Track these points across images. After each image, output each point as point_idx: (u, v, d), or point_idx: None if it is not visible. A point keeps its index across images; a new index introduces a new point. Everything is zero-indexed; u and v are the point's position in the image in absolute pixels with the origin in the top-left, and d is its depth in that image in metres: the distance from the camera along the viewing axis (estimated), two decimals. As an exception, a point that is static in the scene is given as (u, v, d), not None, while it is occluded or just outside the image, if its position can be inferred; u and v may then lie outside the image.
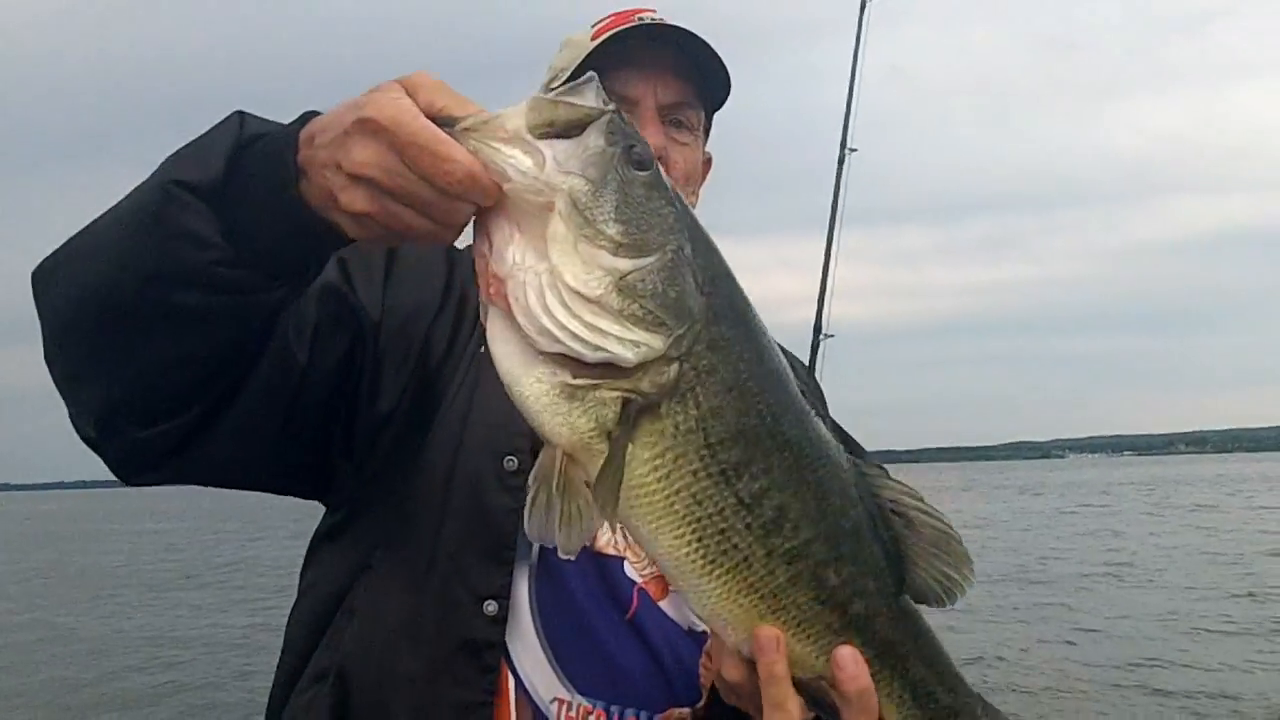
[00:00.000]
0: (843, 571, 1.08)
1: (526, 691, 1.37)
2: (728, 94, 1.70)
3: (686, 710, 1.42)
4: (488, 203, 0.99)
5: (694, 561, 1.05)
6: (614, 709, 1.40)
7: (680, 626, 1.44)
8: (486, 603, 1.36)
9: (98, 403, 1.22)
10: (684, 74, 1.61)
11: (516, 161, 0.97)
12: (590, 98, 1.00)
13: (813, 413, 1.10)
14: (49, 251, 1.22)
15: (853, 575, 1.08)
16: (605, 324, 0.97)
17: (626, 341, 0.98)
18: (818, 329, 1.91)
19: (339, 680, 1.38)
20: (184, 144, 1.15)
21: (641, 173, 1.02)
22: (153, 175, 1.13)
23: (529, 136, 0.98)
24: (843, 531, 1.08)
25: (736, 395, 1.04)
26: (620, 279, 0.98)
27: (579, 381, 0.98)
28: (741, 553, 1.05)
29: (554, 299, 0.97)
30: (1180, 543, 23.84)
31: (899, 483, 1.13)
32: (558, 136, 0.99)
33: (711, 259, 1.07)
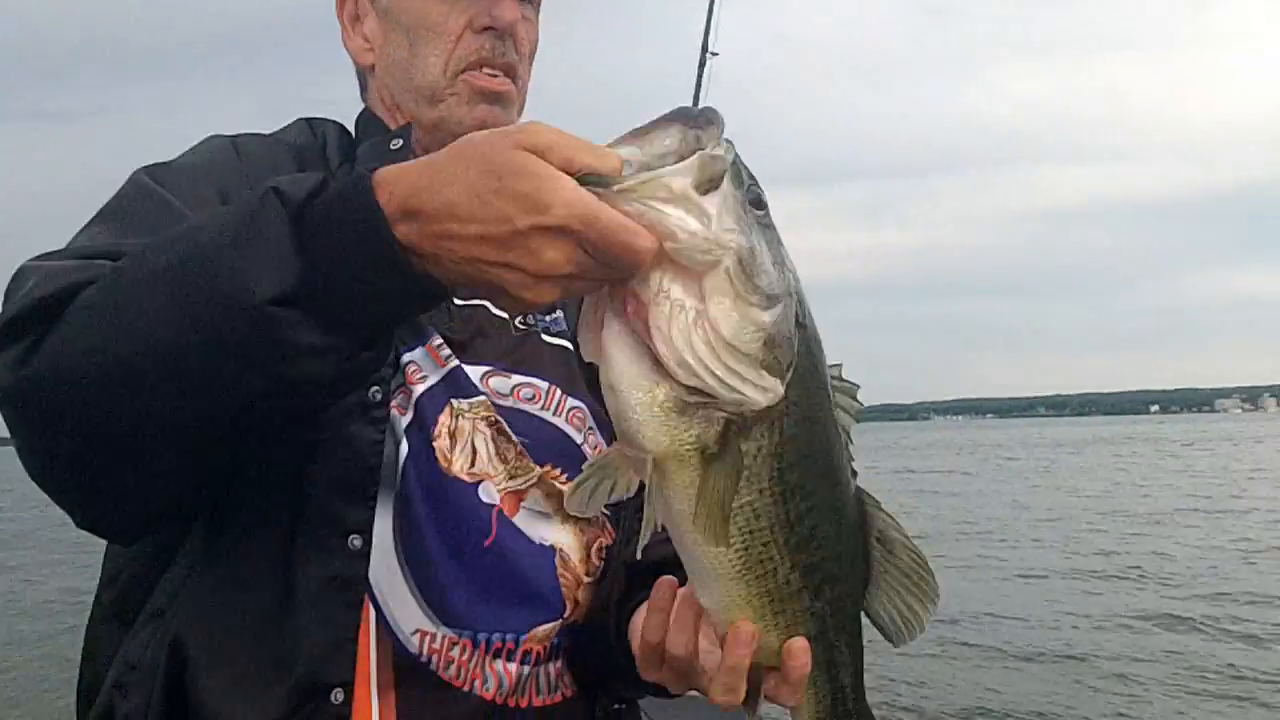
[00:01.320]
0: (837, 589, 1.20)
1: (388, 625, 1.35)
2: None
3: (553, 624, 1.47)
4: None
5: (733, 565, 1.14)
6: (480, 636, 1.41)
7: (534, 542, 1.47)
8: (351, 537, 1.33)
9: (132, 516, 1.22)
10: None
11: (684, 224, 0.98)
12: (702, 132, 1.01)
13: (838, 435, 1.19)
14: None
15: (841, 593, 1.21)
16: (745, 371, 1.02)
17: (759, 388, 1.04)
18: (704, 47, 1.87)
19: (176, 619, 1.31)
20: (207, 239, 1.04)
21: (761, 212, 1.05)
22: (198, 278, 1.02)
23: (693, 194, 0.99)
24: (846, 553, 1.20)
25: (809, 424, 1.11)
26: (769, 335, 1.03)
27: (693, 399, 1.03)
28: (773, 563, 1.15)
29: (701, 340, 1.00)
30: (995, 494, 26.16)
31: (887, 513, 1.23)
32: (712, 190, 1.00)
33: (801, 292, 1.10)
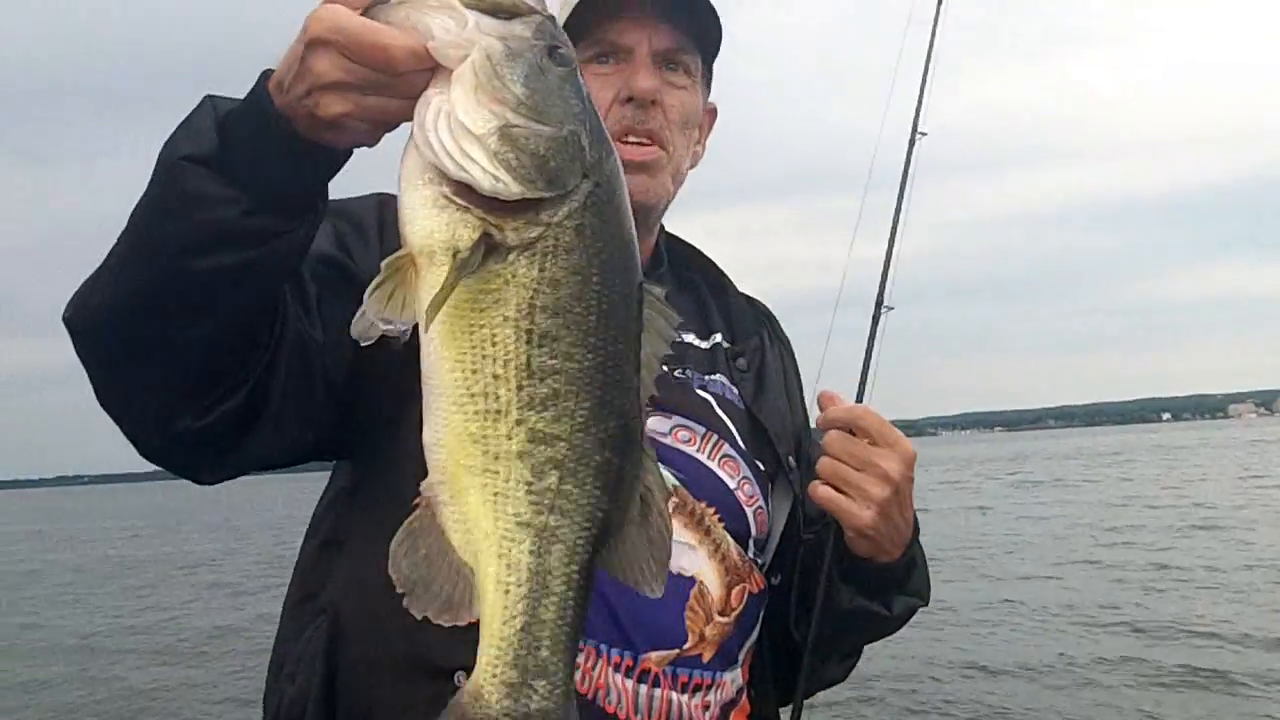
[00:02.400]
0: (565, 486, 1.11)
1: None
2: (719, 39, 1.74)
3: (669, 652, 1.53)
4: (431, 66, 1.09)
5: (456, 385, 1.09)
6: (602, 646, 1.50)
7: (670, 571, 1.43)
8: None
9: (156, 407, 1.31)
10: (676, 20, 1.67)
11: (441, 22, 1.08)
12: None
13: (636, 356, 1.15)
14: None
15: (569, 498, 1.12)
16: (476, 154, 1.06)
17: (488, 174, 1.05)
18: (879, 302, 1.93)
19: (334, 615, 1.51)
20: (166, 138, 1.25)
21: (560, 67, 1.11)
22: (152, 173, 1.24)
23: (457, 4, 1.08)
24: (587, 454, 1.12)
25: (579, 281, 1.10)
26: (505, 126, 1.06)
27: (455, 199, 1.07)
28: (499, 405, 1.09)
29: (443, 124, 1.07)
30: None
31: (660, 475, 1.18)
32: (488, 14, 1.09)
33: (607, 163, 1.13)
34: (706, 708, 1.57)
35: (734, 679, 1.64)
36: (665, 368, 1.69)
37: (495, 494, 1.11)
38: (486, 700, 1.13)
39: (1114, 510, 25.96)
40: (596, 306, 1.11)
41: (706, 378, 1.76)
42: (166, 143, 1.23)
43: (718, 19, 1.72)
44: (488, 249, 1.08)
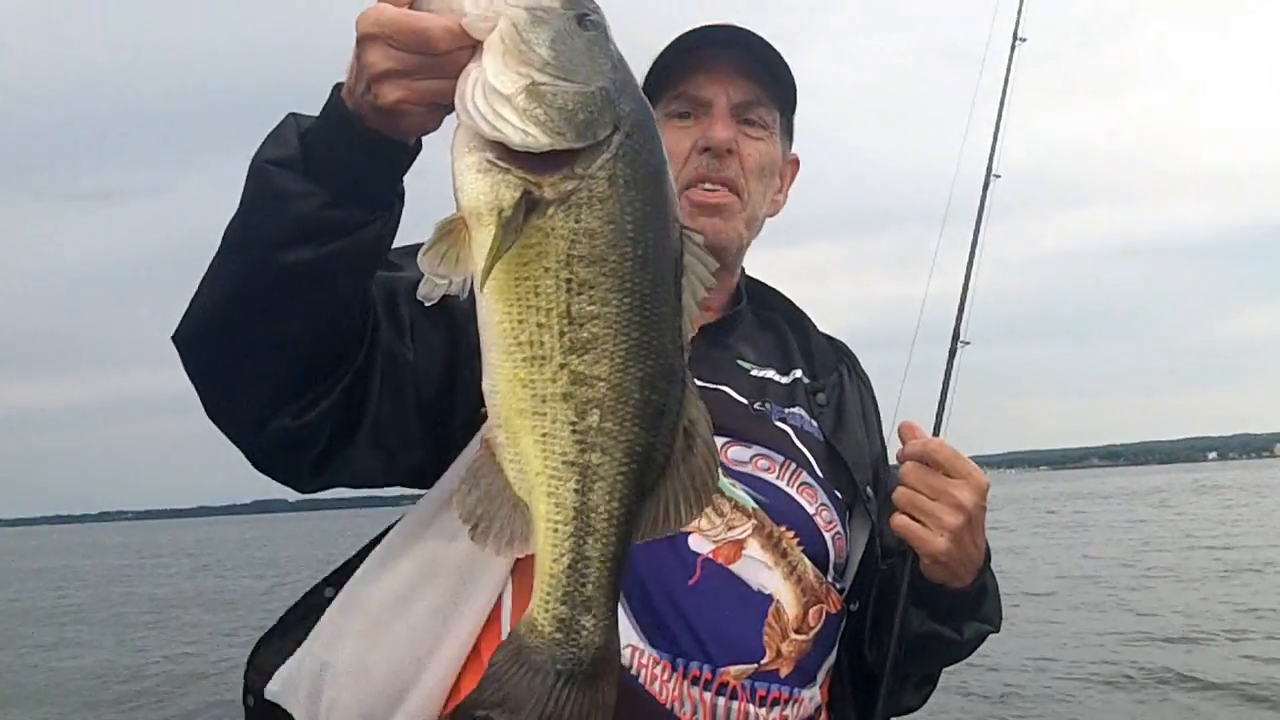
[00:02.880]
0: (605, 420, 1.18)
1: None
2: (795, 94, 1.82)
3: (748, 666, 1.58)
4: (471, 44, 1.18)
5: (505, 334, 1.17)
6: (679, 661, 1.55)
7: (751, 588, 1.61)
8: None
9: (257, 407, 1.37)
10: (752, 75, 1.76)
11: (472, 2, 1.16)
12: None
13: (677, 298, 1.21)
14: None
15: (609, 431, 1.18)
16: (507, 113, 1.13)
17: (518, 129, 1.12)
18: (956, 335, 1.97)
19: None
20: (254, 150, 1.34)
21: (588, 32, 1.17)
22: (244, 181, 1.33)
23: None
24: (626, 393, 1.18)
25: (614, 230, 1.16)
26: (532, 85, 1.13)
27: (497, 162, 1.14)
28: (542, 350, 1.16)
29: (478, 90, 1.14)
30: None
31: (704, 409, 1.24)
32: None
33: (641, 114, 1.19)
34: None
35: (812, 697, 1.68)
36: (745, 400, 1.77)
37: (544, 435, 1.18)
38: (540, 631, 1.21)
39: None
40: (632, 253, 1.17)
41: (786, 410, 1.82)
42: (255, 153, 1.32)
43: (790, 74, 1.79)
44: (530, 206, 1.14)
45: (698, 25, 1.76)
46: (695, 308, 1.23)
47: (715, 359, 1.79)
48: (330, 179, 1.28)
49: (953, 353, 1.91)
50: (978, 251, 1.94)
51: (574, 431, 1.18)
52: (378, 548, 1.63)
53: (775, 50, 1.77)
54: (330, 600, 1.61)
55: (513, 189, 1.14)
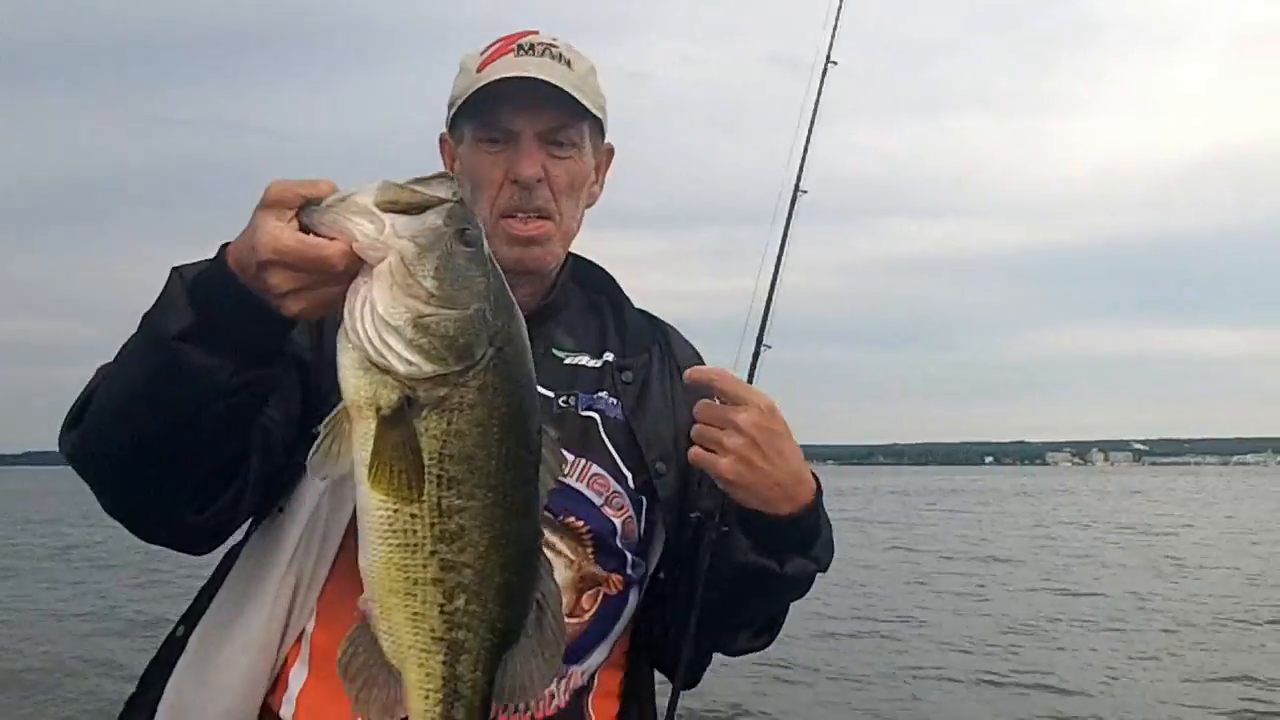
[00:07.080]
0: (473, 606, 1.31)
1: None
2: (603, 100, 1.90)
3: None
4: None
5: (381, 522, 1.27)
6: None
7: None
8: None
9: (161, 513, 1.54)
10: (555, 100, 1.79)
11: (363, 228, 1.26)
12: (438, 189, 1.29)
13: (535, 488, 1.36)
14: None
15: (477, 615, 1.32)
16: (394, 343, 1.24)
17: (403, 359, 1.24)
18: (759, 339, 1.98)
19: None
20: (147, 309, 1.46)
21: (467, 248, 1.29)
22: (137, 340, 1.46)
23: (375, 210, 1.26)
24: (489, 578, 1.32)
25: (480, 432, 1.29)
26: (418, 317, 1.25)
27: (372, 364, 1.25)
28: (415, 539, 1.28)
29: (367, 313, 1.25)
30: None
31: (556, 584, 1.41)
32: (402, 213, 1.27)
33: (512, 326, 1.33)
34: (553, 696, 1.75)
35: (584, 670, 1.80)
36: (552, 394, 1.84)
37: (415, 614, 1.31)
38: None
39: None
40: (498, 451, 1.30)
41: (594, 396, 1.87)
42: (148, 316, 1.43)
43: (598, 93, 1.86)
44: (409, 408, 1.25)
45: (502, 73, 1.78)
46: (546, 495, 1.39)
47: None
48: (235, 351, 1.39)
49: (756, 354, 1.96)
50: (782, 262, 2.00)
51: (442, 612, 1.31)
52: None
53: (579, 64, 1.83)
54: (182, 639, 1.71)
55: (392, 389, 1.25)
